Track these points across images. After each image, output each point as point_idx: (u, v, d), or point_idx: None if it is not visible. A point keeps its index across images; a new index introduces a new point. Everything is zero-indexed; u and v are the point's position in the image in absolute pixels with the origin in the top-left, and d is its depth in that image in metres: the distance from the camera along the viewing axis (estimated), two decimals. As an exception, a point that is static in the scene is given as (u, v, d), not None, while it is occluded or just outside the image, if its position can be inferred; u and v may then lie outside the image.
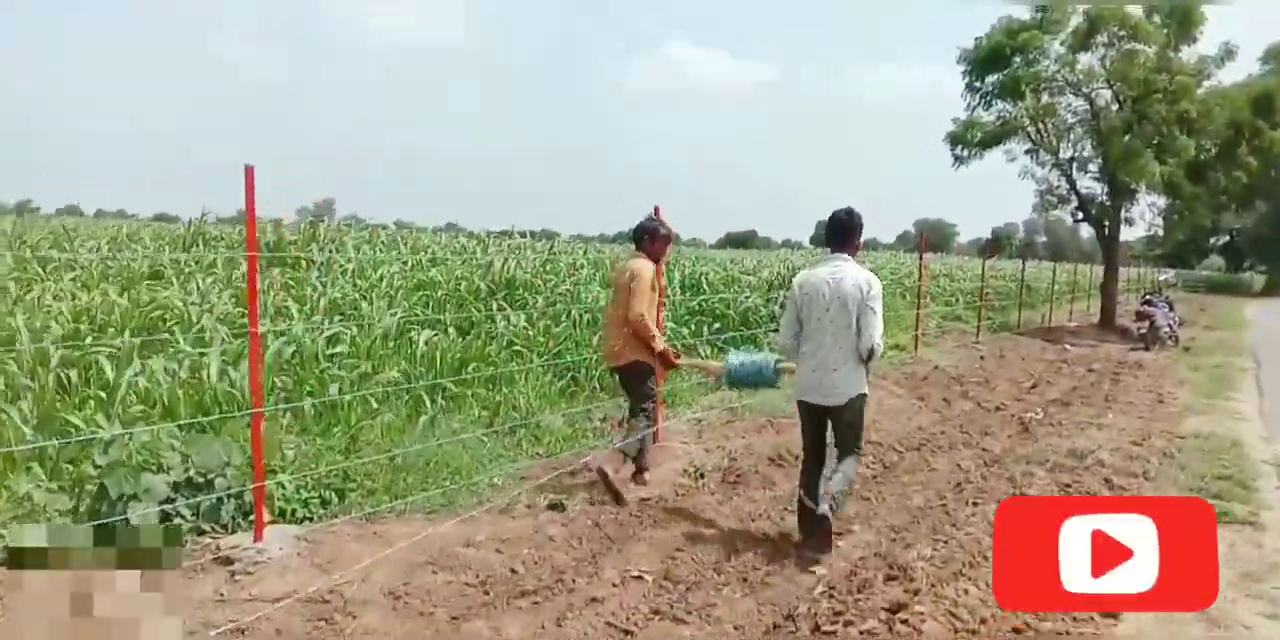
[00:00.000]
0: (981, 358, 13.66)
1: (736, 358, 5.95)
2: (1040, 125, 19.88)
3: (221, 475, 4.65)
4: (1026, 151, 20.42)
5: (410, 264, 10.57)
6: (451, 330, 8.37)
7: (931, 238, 79.31)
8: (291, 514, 4.84)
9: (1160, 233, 48.51)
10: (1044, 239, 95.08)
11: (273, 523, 4.59)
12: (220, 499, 4.60)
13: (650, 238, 5.87)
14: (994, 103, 19.70)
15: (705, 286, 12.55)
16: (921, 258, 12.50)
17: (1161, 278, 24.76)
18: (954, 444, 7.68)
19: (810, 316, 4.71)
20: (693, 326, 11.21)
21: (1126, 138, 18.46)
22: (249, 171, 4.07)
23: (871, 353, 4.65)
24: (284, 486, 4.90)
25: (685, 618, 3.93)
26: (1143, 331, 16.94)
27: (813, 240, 73.28)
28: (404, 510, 5.05)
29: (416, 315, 8.49)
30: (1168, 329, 17.00)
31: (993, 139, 19.85)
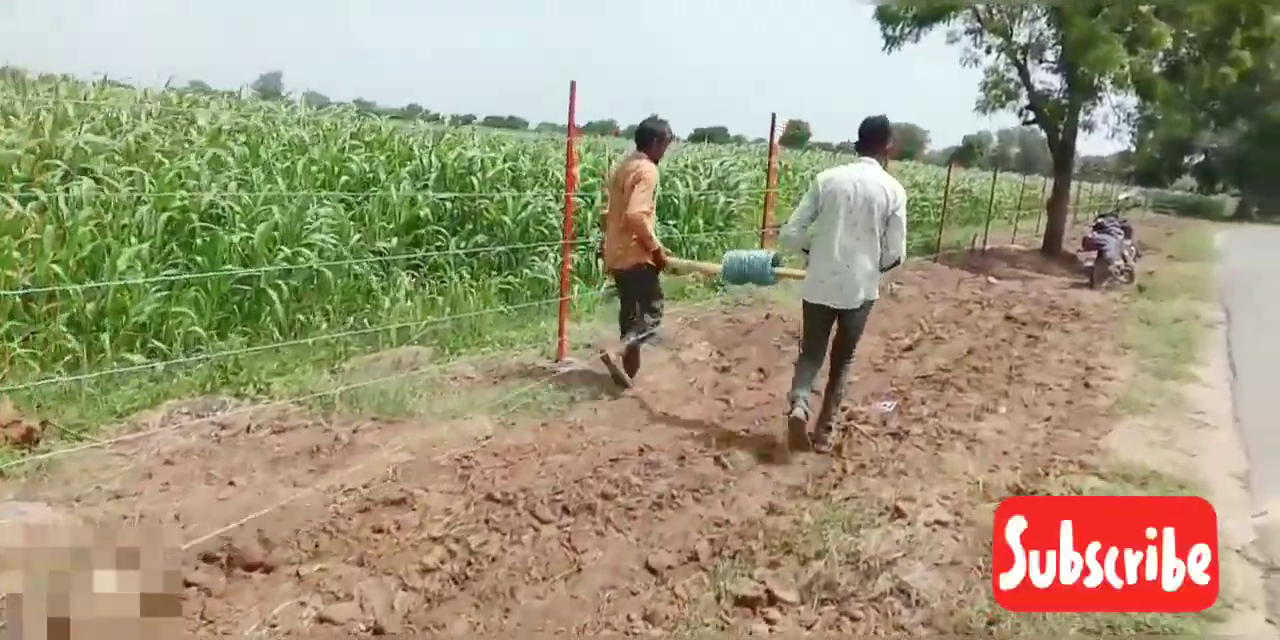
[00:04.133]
0: (858, 298, 9.99)
1: (734, 254, 5.78)
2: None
3: None
4: (968, 32, 16.42)
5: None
6: None
7: (902, 143, 75.23)
8: None
9: (1133, 148, 45.17)
10: (1017, 150, 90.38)
11: None
12: None
13: (659, 140, 5.74)
14: (934, -32, 15.68)
15: (475, 181, 8.67)
16: (772, 154, 8.75)
17: (1122, 196, 21.16)
18: (678, 493, 4.09)
19: (831, 217, 4.55)
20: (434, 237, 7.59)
21: (1092, 20, 14.53)
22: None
23: (896, 262, 4.67)
24: None
25: None
26: (1088, 264, 13.50)
27: (782, 140, 69.42)
28: None
29: None
30: (1120, 263, 13.49)
31: (931, 15, 15.89)
